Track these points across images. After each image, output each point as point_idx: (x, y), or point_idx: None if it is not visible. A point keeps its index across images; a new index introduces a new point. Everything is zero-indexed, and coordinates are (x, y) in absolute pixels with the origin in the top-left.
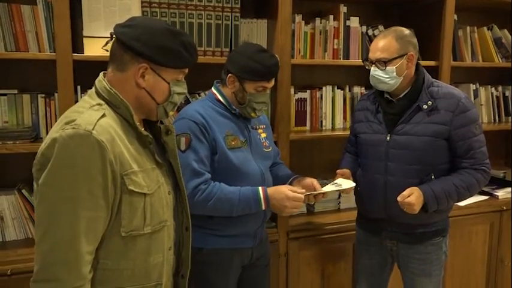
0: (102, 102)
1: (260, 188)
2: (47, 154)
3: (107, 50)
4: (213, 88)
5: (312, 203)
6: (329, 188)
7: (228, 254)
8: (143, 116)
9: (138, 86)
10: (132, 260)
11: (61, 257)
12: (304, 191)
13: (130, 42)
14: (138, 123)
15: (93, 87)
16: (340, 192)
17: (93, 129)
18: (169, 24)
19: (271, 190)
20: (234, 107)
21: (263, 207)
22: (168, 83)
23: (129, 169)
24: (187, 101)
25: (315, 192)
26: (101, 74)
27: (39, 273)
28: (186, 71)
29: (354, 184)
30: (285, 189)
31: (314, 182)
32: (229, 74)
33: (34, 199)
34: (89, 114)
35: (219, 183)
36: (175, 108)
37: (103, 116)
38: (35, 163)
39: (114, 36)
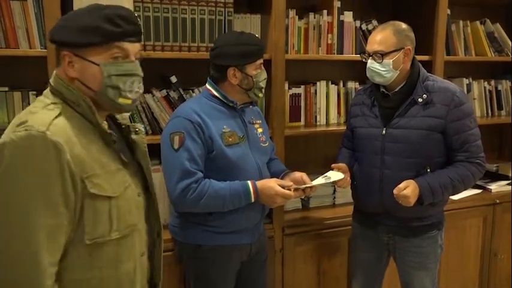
0: (58, 100)
1: (249, 182)
2: None
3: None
4: (207, 84)
5: (302, 197)
6: (318, 181)
7: (227, 251)
8: (105, 113)
9: (71, 78)
10: (99, 269)
11: (21, 273)
12: (291, 183)
13: (51, 35)
14: (101, 121)
15: (48, 86)
16: (335, 186)
17: (47, 129)
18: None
19: (260, 184)
20: (231, 99)
21: (252, 200)
22: (98, 65)
23: (90, 171)
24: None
25: (303, 186)
26: (55, 71)
27: None
28: (125, 45)
29: (342, 176)
30: (274, 185)
31: (303, 176)
32: (229, 68)
33: None
34: (43, 114)
35: (209, 180)
36: (120, 93)
37: (59, 115)
38: None
39: None
